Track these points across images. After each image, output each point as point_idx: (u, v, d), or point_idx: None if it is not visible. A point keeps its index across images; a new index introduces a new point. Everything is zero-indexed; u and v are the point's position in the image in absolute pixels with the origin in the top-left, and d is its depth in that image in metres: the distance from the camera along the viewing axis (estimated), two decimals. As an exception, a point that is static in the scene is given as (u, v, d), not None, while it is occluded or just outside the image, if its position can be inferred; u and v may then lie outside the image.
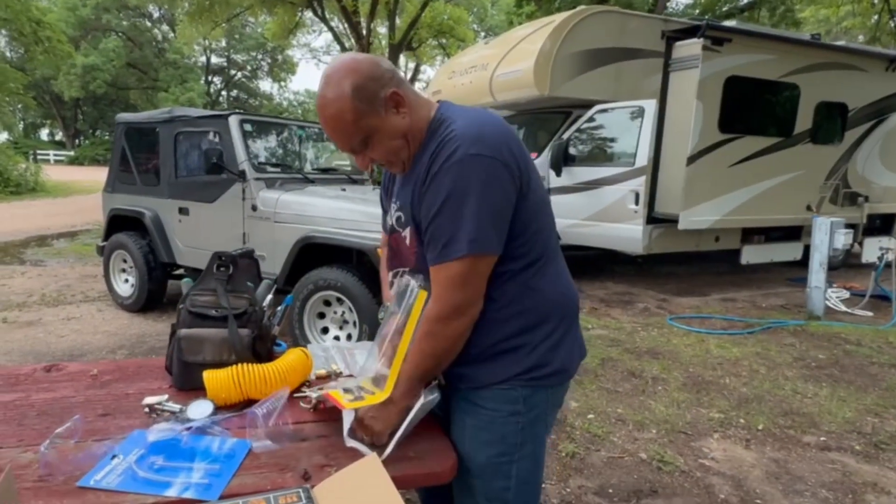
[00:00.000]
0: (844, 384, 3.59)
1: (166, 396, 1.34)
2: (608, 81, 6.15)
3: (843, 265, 7.56)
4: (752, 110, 6.28)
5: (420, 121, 1.13)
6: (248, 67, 34.93)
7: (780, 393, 3.39)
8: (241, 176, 3.96)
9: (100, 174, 7.25)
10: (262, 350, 1.53)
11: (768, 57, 6.07)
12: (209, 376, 1.36)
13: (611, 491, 2.31)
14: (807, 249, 6.61)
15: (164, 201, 4.61)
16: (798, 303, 5.72)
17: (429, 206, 1.07)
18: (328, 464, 1.13)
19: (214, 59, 34.27)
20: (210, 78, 34.65)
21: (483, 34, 27.53)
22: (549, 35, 5.81)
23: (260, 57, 34.25)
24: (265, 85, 37.11)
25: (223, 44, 31.88)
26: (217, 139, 4.12)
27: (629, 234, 5.61)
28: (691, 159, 5.66)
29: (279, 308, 1.69)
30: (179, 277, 4.98)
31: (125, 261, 4.87)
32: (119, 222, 4.94)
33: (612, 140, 6.05)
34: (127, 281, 4.95)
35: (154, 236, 4.60)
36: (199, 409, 1.27)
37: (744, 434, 2.88)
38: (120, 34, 32.40)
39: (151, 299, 4.80)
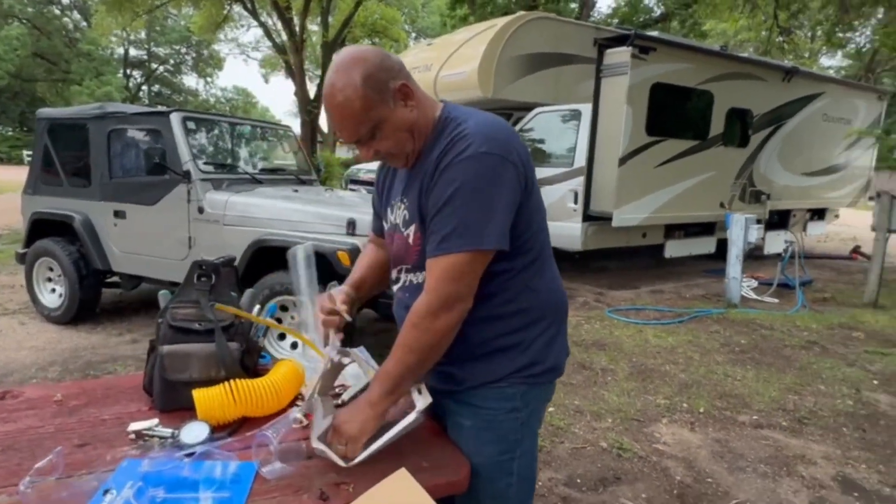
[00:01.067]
0: (766, 366, 3.87)
1: (156, 421, 1.22)
2: (547, 85, 6.30)
3: (748, 257, 8.18)
4: (673, 115, 6.63)
5: (426, 117, 1.11)
6: (171, 61, 32.84)
7: (713, 377, 3.61)
8: (186, 177, 3.71)
9: (3, 173, 6.54)
10: (249, 363, 1.43)
11: (687, 66, 6.43)
12: (200, 395, 1.25)
13: (579, 481, 2.36)
14: (720, 243, 7.11)
15: (96, 204, 4.23)
16: (716, 292, 6.12)
17: (436, 199, 1.05)
18: (343, 482, 1.06)
19: (133, 52, 31.95)
20: (129, 71, 32.25)
21: (415, 35, 27.43)
22: (491, 39, 5.87)
23: (184, 51, 32.26)
24: (190, 80, 35.07)
25: (143, 36, 29.75)
26: (157, 138, 3.83)
27: (569, 232, 5.79)
28: (622, 160, 5.91)
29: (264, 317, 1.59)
30: (114, 285, 4.60)
31: (51, 269, 4.42)
32: (43, 227, 4.47)
33: (552, 141, 6.21)
34: (54, 291, 4.49)
35: (86, 242, 4.21)
36: (195, 433, 1.17)
37: (688, 418, 3.04)
38: (24, 21, 29.49)
39: (84, 310, 4.39)
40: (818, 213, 9.17)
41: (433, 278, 1.06)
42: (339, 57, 1.06)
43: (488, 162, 1.01)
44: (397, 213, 1.20)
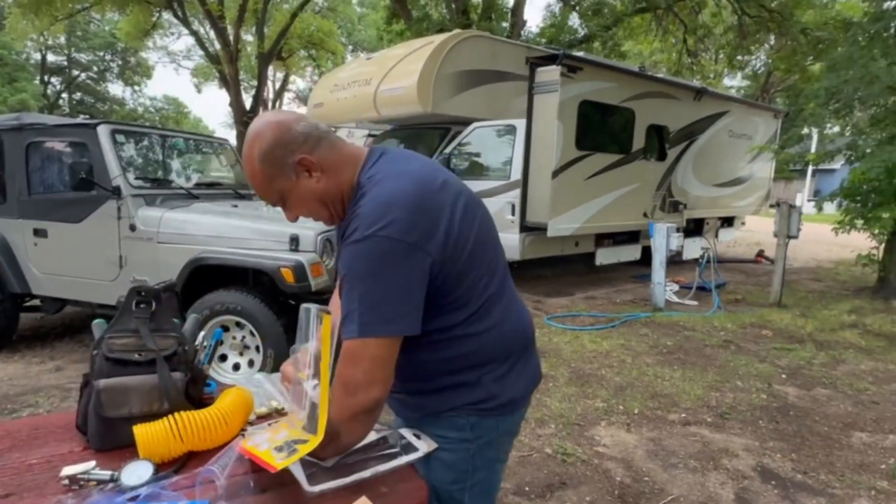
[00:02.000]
0: (690, 366, 4.08)
1: (93, 463, 1.11)
2: (483, 101, 6.41)
3: (670, 262, 8.65)
4: (600, 130, 6.92)
5: (343, 182, 1.06)
6: (95, 69, 30.70)
7: (645, 378, 3.76)
8: (116, 192, 3.46)
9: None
10: (195, 394, 1.34)
11: (611, 84, 6.74)
12: (142, 432, 1.15)
13: (527, 489, 2.38)
14: (644, 250, 7.47)
15: (12, 222, 3.86)
16: (643, 296, 6.42)
17: (338, 282, 1.03)
18: (301, 515, 1.02)
19: (52, 58, 29.58)
20: (47, 78, 29.87)
21: (351, 48, 27.20)
22: (429, 55, 5.91)
23: (109, 58, 30.27)
24: (116, 88, 32.86)
25: (63, 41, 27.67)
26: (83, 151, 3.56)
27: (508, 243, 5.88)
28: (555, 173, 6.09)
29: (207, 344, 1.50)
30: (34, 309, 4.21)
31: (-40, 292, 4.01)
32: (-51, 246, 4.05)
33: (489, 155, 6.31)
34: (-36, 317, 4.07)
35: (1, 263, 3.84)
36: (138, 473, 1.07)
37: (624, 419, 3.15)
38: (-76, 21, 26.72)
39: (-1, 337, 4.00)
40: (727, 221, 9.86)
41: (339, 362, 1.02)
42: (249, 128, 1.07)
43: (373, 247, 0.94)
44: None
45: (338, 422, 1.02)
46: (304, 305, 1.13)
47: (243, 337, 3.25)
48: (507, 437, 1.22)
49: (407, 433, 1.18)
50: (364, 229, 0.95)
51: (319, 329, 1.06)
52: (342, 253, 1.01)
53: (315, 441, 1.03)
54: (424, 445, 1.13)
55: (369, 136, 8.10)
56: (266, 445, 1.07)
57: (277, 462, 1.01)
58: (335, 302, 1.32)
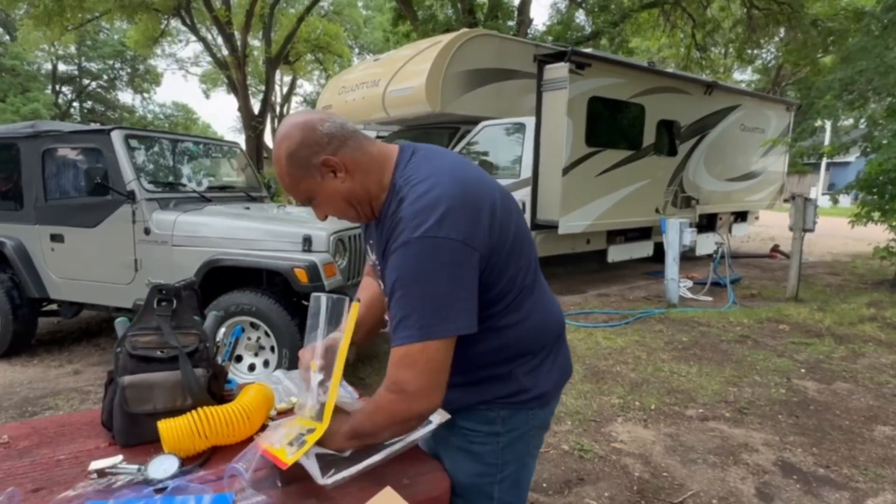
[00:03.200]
0: (706, 361, 4.05)
1: (120, 457, 1.13)
2: (491, 99, 6.41)
3: (683, 258, 8.58)
4: (610, 127, 6.89)
5: (371, 182, 1.07)
6: (105, 77, 31.10)
7: (661, 374, 3.74)
8: (131, 197, 3.51)
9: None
10: (217, 390, 1.36)
11: (620, 80, 6.71)
12: (166, 427, 1.17)
13: (545, 485, 2.38)
14: (656, 247, 7.43)
15: (30, 227, 3.93)
16: (656, 293, 6.38)
17: (386, 287, 1.03)
18: (326, 507, 1.03)
19: (63, 67, 30.00)
20: (58, 87, 30.30)
21: (357, 50, 27.32)
22: (437, 55, 5.92)
23: (118, 66, 30.64)
24: (125, 96, 33.23)
25: (73, 50, 28.06)
26: (98, 157, 3.61)
27: (519, 241, 5.88)
28: (566, 170, 6.07)
29: (228, 341, 1.52)
30: (53, 314, 4.28)
31: (-20, 299, 4.07)
32: (-31, 254, 4.12)
33: (499, 154, 6.31)
34: (-17, 323, 4.14)
35: (19, 268, 3.90)
36: (164, 467, 1.09)
37: (641, 415, 3.13)
38: (-62, 34, 27.23)
39: (17, 342, 4.04)
40: (741, 216, 9.76)
41: (389, 366, 1.02)
42: (277, 130, 1.10)
43: (424, 248, 0.95)
44: (375, 254, 1.18)
45: (386, 426, 1.04)
46: (314, 294, 1.16)
47: (258, 338, 3.27)
48: (539, 431, 1.21)
49: None
50: (411, 231, 0.95)
51: (345, 317, 1.08)
52: (391, 258, 0.99)
53: (322, 428, 1.04)
54: (437, 417, 1.11)
55: (378, 136, 8.13)
56: (281, 443, 1.09)
57: (289, 458, 1.03)
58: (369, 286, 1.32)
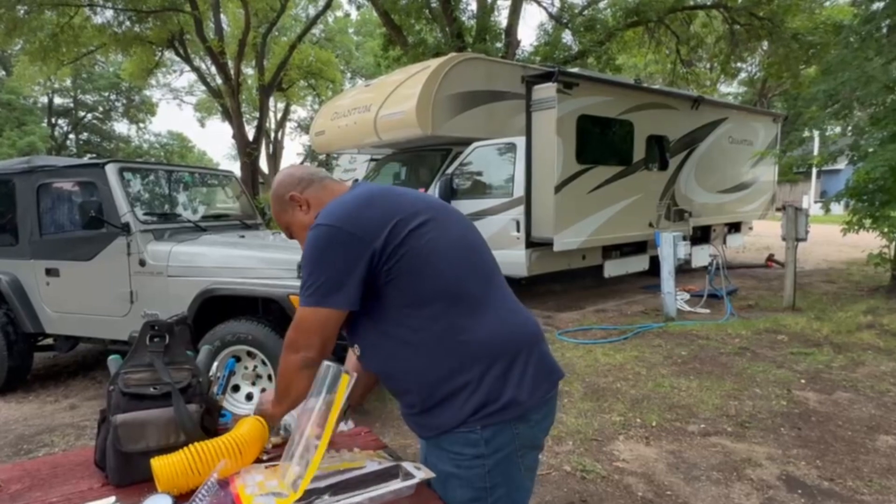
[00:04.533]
0: (706, 375, 4.03)
1: (113, 499, 1.12)
2: (481, 121, 6.48)
3: (679, 271, 8.60)
4: (600, 144, 6.95)
5: None
6: (100, 109, 31.32)
7: (661, 390, 3.72)
8: (125, 229, 3.51)
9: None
10: (210, 425, 1.34)
11: (608, 98, 6.81)
12: (159, 465, 1.15)
13: (548, 507, 2.35)
14: (652, 260, 7.44)
15: (25, 262, 3.92)
16: (654, 307, 6.37)
17: None
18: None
19: (59, 100, 30.22)
20: (54, 120, 30.48)
21: (350, 76, 27.64)
22: (426, 79, 6.00)
23: (114, 97, 30.88)
24: (121, 127, 33.42)
25: (69, 84, 28.31)
26: (92, 190, 3.62)
27: (515, 259, 5.89)
28: (558, 188, 6.11)
29: (220, 375, 1.50)
30: (49, 348, 4.24)
31: (-27, 335, 4.03)
32: (-36, 291, 4.09)
33: (491, 174, 6.35)
34: (-23, 358, 4.09)
35: (14, 304, 3.88)
36: (157, 508, 1.07)
37: (642, 433, 3.10)
38: (-65, 73, 27.43)
39: (13, 378, 4.01)
40: (735, 227, 9.81)
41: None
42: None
43: (318, 232, 1.16)
44: None
45: (281, 374, 1.25)
46: (325, 363, 1.20)
47: (255, 366, 3.25)
48: (528, 450, 1.20)
49: (409, 465, 1.17)
50: (317, 220, 1.19)
51: (335, 389, 1.14)
52: None
53: (293, 498, 1.05)
54: (422, 474, 1.13)
55: (371, 160, 8.19)
56: (253, 489, 1.09)
57: None
58: (351, 360, 1.42)
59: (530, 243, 6.15)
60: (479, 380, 1.13)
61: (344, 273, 1.14)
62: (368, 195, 1.22)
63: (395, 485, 1.11)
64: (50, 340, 4.16)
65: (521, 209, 6.07)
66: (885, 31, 6.80)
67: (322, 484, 1.10)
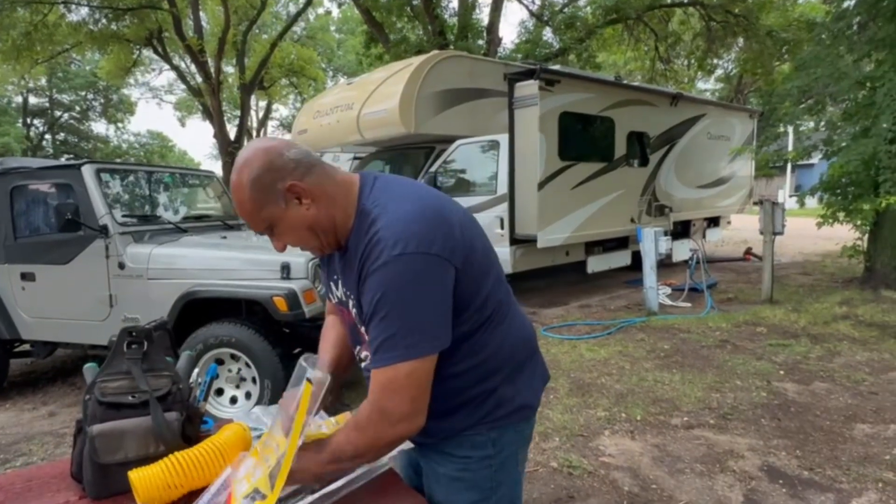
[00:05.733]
0: (688, 368, 4.07)
1: (90, 514, 1.07)
2: (464, 118, 6.46)
3: (660, 266, 8.68)
4: (582, 140, 6.98)
5: (336, 209, 1.04)
6: (77, 108, 30.61)
7: (645, 384, 3.74)
8: (103, 231, 3.42)
9: None
10: (191, 433, 1.30)
11: (589, 95, 6.83)
12: (137, 477, 1.11)
13: (535, 504, 2.34)
14: (634, 255, 7.50)
15: (0, 267, 3.81)
16: (637, 301, 6.42)
17: (365, 308, 1.00)
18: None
19: (34, 100, 29.44)
20: (29, 120, 29.70)
21: (332, 73, 27.40)
22: (409, 77, 5.95)
23: (91, 97, 30.20)
24: (99, 126, 32.67)
25: (44, 83, 27.60)
26: (69, 192, 3.52)
27: (499, 256, 5.85)
28: (541, 185, 6.12)
29: (201, 381, 1.46)
30: (24, 354, 4.13)
31: (-53, 342, 3.91)
32: (-64, 296, 3.96)
33: (475, 171, 6.34)
34: (-49, 367, 3.97)
35: (-12, 309, 3.77)
36: (136, 521, 1.04)
37: (627, 427, 3.12)
38: None
39: (-12, 386, 3.91)
40: (713, 221, 9.94)
41: (373, 390, 0.99)
42: (239, 155, 1.04)
43: (404, 265, 0.94)
44: (340, 290, 1.15)
45: (366, 449, 1.01)
46: (301, 358, 1.09)
47: (239, 369, 3.19)
48: (525, 445, 1.23)
49: None
50: (391, 250, 0.94)
51: (299, 396, 1.02)
52: (368, 280, 0.97)
53: (271, 500, 1.01)
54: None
55: (355, 158, 8.12)
56: (243, 485, 1.05)
57: None
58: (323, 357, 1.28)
59: (514, 240, 6.16)
60: (493, 388, 1.13)
61: (447, 307, 0.99)
62: (435, 203, 1.03)
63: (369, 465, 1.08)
64: (27, 346, 4.04)
65: (504, 206, 6.07)
66: (855, 28, 6.92)
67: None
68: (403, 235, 0.95)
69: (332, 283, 1.20)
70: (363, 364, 1.18)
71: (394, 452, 1.11)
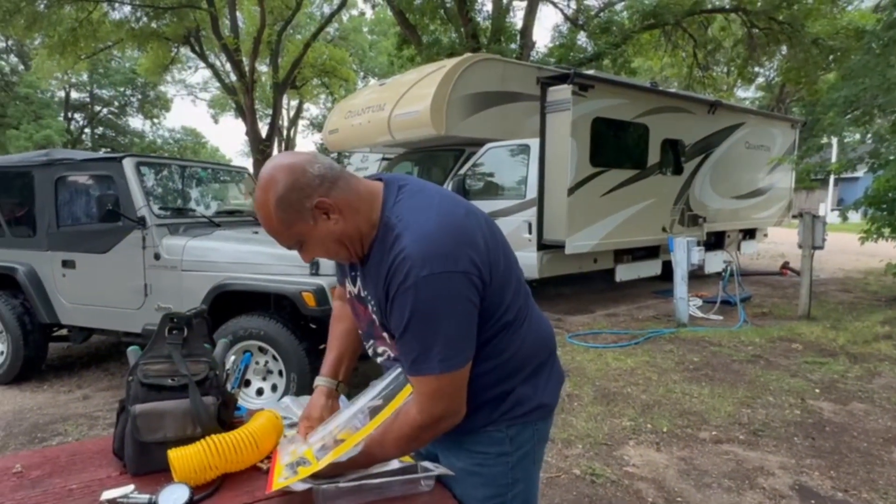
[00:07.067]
0: (718, 382, 4.00)
1: (132, 487, 1.13)
2: (495, 122, 6.48)
3: (692, 277, 8.54)
4: (614, 147, 6.92)
5: (361, 221, 1.06)
6: (116, 104, 31.71)
7: (672, 396, 3.70)
8: (141, 223, 3.56)
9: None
10: (226, 417, 1.36)
11: (623, 101, 6.77)
12: (176, 456, 1.17)
13: (557, 510, 2.35)
14: (664, 265, 7.40)
15: (42, 254, 3.98)
16: (666, 312, 6.33)
17: (396, 325, 1.04)
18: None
19: (75, 94, 30.61)
20: (70, 114, 30.90)
21: (363, 74, 27.75)
22: (441, 79, 6.01)
23: (129, 93, 31.26)
24: (136, 122, 33.81)
25: (85, 78, 28.68)
26: (109, 184, 3.67)
27: (526, 262, 5.87)
28: (571, 191, 6.09)
29: (237, 368, 1.53)
30: (62, 339, 4.31)
31: (-9, 325, 4.11)
32: (-22, 280, 4.17)
33: (504, 175, 6.36)
34: (-7, 348, 4.17)
35: (31, 294, 3.95)
36: (175, 496, 1.09)
37: (653, 438, 3.09)
38: (-45, 66, 27.94)
39: (28, 367, 4.08)
40: (749, 233, 9.72)
41: (420, 398, 1.05)
42: (262, 173, 1.04)
43: (433, 285, 0.97)
44: (358, 286, 1.19)
45: (414, 444, 1.10)
46: (398, 369, 1.14)
47: (266, 362, 3.28)
48: (542, 443, 1.25)
49: (427, 463, 1.18)
50: (420, 269, 0.96)
51: (394, 394, 1.13)
52: (399, 298, 1.00)
53: (316, 467, 1.07)
54: (441, 470, 1.15)
55: (383, 159, 8.22)
56: (287, 458, 1.13)
57: (279, 481, 1.08)
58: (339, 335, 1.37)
59: (542, 245, 6.14)
60: (514, 387, 1.16)
61: (474, 319, 1.04)
62: (459, 217, 1.05)
63: (415, 477, 1.12)
64: (64, 331, 4.22)
65: (533, 211, 6.06)
66: (908, 37, 6.70)
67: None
68: (430, 255, 0.97)
69: (349, 279, 1.23)
70: (379, 359, 1.24)
71: (421, 475, 1.15)
